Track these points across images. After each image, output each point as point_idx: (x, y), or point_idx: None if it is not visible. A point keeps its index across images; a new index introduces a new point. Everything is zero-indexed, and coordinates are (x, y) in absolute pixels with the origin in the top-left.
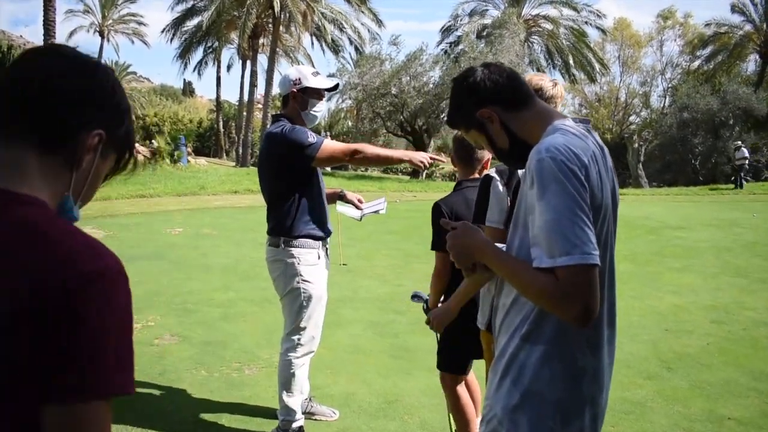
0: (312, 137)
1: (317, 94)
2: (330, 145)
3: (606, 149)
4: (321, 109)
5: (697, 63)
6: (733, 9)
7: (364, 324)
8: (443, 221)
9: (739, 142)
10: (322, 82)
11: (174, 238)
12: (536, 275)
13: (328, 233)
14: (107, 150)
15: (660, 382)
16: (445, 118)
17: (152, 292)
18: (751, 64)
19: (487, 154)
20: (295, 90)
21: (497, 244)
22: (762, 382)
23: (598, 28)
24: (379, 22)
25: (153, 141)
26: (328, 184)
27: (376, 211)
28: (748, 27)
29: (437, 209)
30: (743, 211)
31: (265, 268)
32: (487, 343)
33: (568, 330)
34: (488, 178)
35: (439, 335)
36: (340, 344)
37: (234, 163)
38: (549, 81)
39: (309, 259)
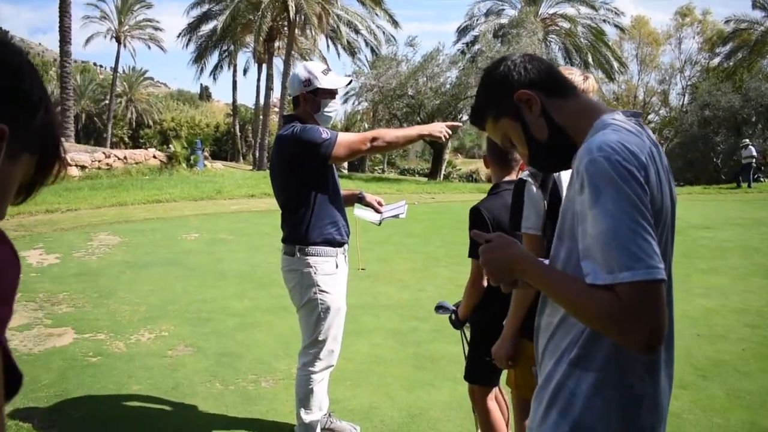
0: (326, 133)
1: (329, 93)
2: (346, 137)
3: (660, 146)
4: (335, 108)
5: (717, 60)
6: (755, 5)
7: (385, 332)
8: (474, 233)
9: (747, 140)
10: (333, 81)
11: (189, 244)
12: (591, 294)
13: (346, 238)
14: (17, 150)
15: (696, 391)
16: (468, 116)
17: (166, 301)
18: None
19: None
20: (305, 92)
21: (541, 259)
22: None
23: (616, 26)
24: (395, 23)
25: (170, 146)
26: (344, 186)
27: (396, 215)
28: None
29: (478, 215)
30: None
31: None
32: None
33: (623, 354)
34: (521, 182)
35: (467, 347)
36: (361, 354)
37: (251, 167)
38: (579, 75)
39: (326, 268)
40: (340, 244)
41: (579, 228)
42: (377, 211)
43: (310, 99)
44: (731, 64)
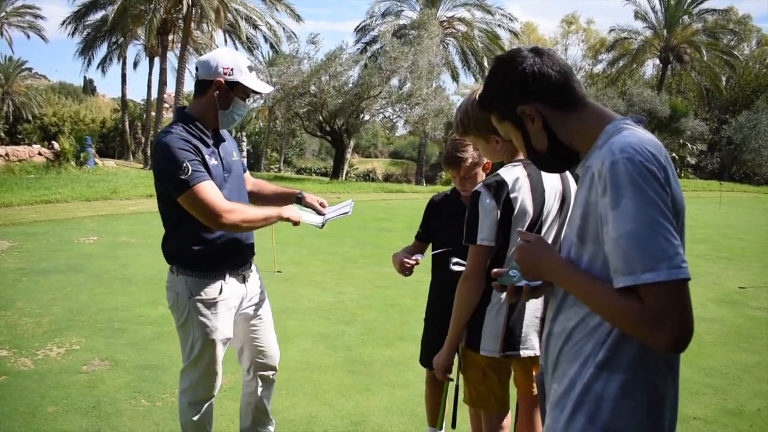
0: (187, 171)
1: (244, 93)
2: (203, 193)
3: None
4: (244, 113)
5: (600, 67)
6: (636, 16)
7: (313, 337)
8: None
9: None
10: (257, 83)
11: (89, 248)
12: (618, 297)
13: (244, 257)
14: None
15: None
16: (369, 115)
17: (72, 311)
18: (649, 68)
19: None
20: (221, 80)
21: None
22: (714, 378)
23: (510, 31)
24: (298, 18)
25: (53, 142)
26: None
27: (345, 213)
28: (648, 33)
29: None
30: None
31: None
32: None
33: (649, 354)
34: (476, 193)
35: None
36: (293, 361)
37: (142, 165)
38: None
39: (206, 293)
40: (234, 266)
41: (603, 230)
42: (319, 213)
43: (224, 91)
44: (614, 70)
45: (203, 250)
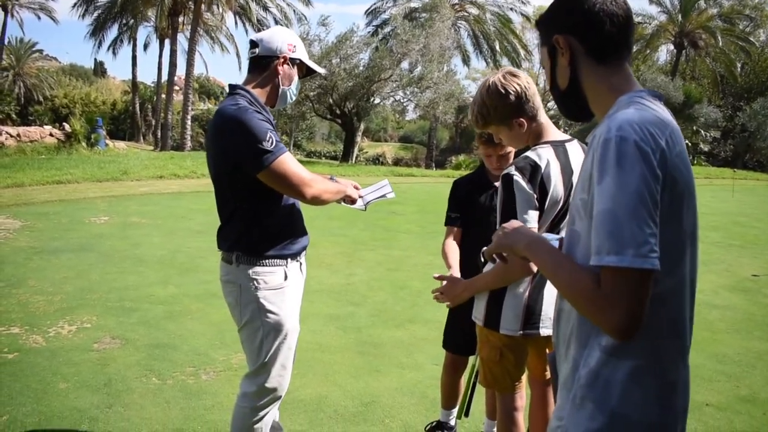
0: (272, 142)
1: (300, 71)
2: (289, 164)
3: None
4: (296, 93)
5: None
6: (651, 0)
7: (323, 318)
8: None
9: None
10: (313, 63)
11: (100, 228)
12: (579, 274)
13: (302, 242)
14: None
15: None
16: (380, 99)
17: (84, 289)
18: (663, 53)
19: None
20: (288, 56)
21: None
22: (727, 365)
23: (522, 14)
24: (307, 1)
25: (64, 123)
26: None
27: (383, 196)
28: (663, 18)
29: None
30: None
31: (206, 258)
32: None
33: (660, 340)
34: (509, 177)
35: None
36: (303, 341)
37: (152, 147)
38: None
39: (272, 281)
40: (294, 254)
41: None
42: None
43: (287, 67)
44: None
45: (266, 233)
